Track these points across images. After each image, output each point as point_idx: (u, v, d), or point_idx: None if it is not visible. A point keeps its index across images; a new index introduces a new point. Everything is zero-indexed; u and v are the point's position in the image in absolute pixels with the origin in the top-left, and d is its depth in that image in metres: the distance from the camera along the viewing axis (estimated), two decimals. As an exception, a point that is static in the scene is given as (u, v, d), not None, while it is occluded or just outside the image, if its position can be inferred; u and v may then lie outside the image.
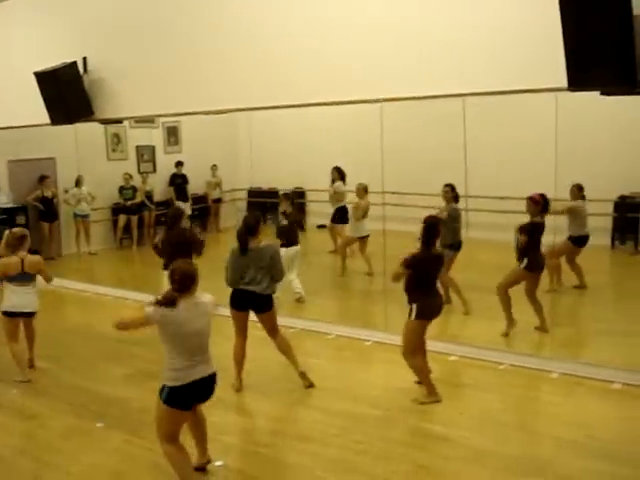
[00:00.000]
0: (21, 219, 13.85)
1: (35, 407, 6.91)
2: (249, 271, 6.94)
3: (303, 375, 7.14)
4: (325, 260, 13.37)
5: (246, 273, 6.96)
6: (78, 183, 14.37)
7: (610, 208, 12.43)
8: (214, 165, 16.56)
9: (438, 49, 7.19)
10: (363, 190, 11.38)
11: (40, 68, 10.00)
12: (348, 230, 11.81)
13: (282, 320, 9.16)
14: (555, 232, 9.24)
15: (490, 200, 12.49)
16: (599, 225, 12.41)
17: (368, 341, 8.46)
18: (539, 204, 8.23)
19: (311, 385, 7.10)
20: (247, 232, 7.06)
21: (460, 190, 11.06)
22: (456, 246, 9.49)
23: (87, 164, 14.35)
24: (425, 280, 6.63)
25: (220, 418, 6.44)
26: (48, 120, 10.33)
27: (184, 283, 4.93)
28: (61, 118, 10.22)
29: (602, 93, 6.06)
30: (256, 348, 8.35)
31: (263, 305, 7.05)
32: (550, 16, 5.92)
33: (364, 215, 11.40)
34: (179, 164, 16.08)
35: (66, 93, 9.98)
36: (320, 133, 14.88)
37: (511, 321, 8.35)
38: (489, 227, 12.40)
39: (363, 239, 11.52)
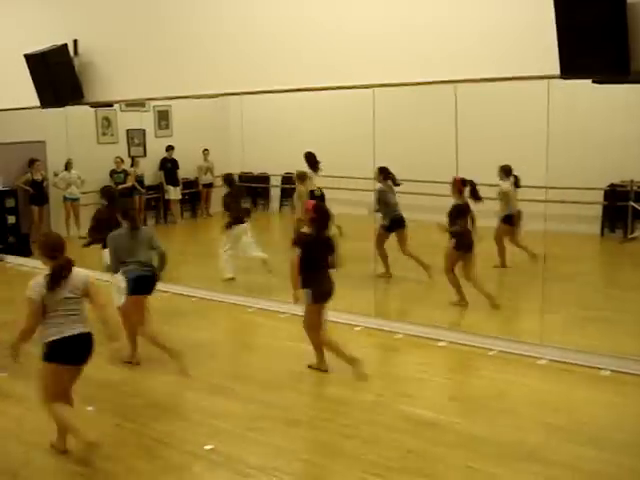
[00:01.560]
0: (10, 202, 13.80)
1: (24, 391, 6.88)
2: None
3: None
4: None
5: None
6: (68, 166, 14.31)
7: (600, 196, 12.49)
8: (205, 150, 16.51)
9: (430, 35, 7.17)
10: (303, 176, 11.88)
11: (30, 50, 9.93)
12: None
13: (269, 305, 9.22)
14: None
15: (481, 187, 12.50)
16: (589, 214, 12.49)
17: (357, 327, 8.47)
18: (458, 187, 9.34)
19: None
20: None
21: (450, 177, 11.08)
22: (389, 226, 10.35)
23: (77, 147, 14.28)
24: (313, 262, 6.82)
25: (210, 403, 6.46)
26: (38, 103, 10.26)
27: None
28: (51, 101, 10.15)
29: (594, 81, 6.07)
30: (249, 335, 8.39)
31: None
32: (543, 3, 5.92)
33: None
34: (170, 148, 16.03)
35: (56, 76, 9.91)
36: (312, 118, 14.85)
37: (463, 299, 8.96)
38: (481, 215, 12.42)
39: None
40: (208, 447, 5.58)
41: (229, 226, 10.53)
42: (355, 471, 5.15)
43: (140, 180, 15.61)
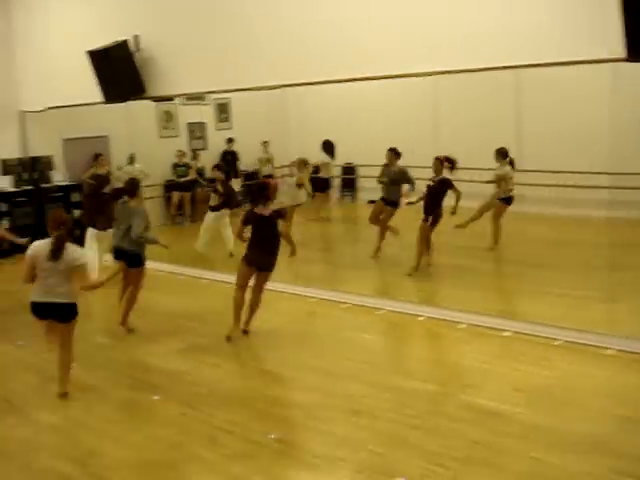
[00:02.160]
0: (76, 197, 14.10)
1: (93, 380, 7.06)
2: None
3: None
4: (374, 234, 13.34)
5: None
6: (131, 160, 14.55)
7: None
8: (265, 141, 16.61)
9: (493, 20, 7.07)
10: (303, 163, 12.98)
11: (93, 47, 10.11)
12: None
13: (331, 295, 9.23)
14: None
15: (543, 174, 12.31)
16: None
17: (420, 316, 8.43)
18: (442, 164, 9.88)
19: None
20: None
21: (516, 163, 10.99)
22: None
23: (139, 142, 14.52)
24: (255, 235, 7.67)
25: (274, 392, 6.52)
26: (101, 98, 10.46)
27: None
28: (114, 96, 10.34)
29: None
30: (310, 325, 8.43)
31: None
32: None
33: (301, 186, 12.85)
34: (230, 141, 16.17)
35: (118, 71, 10.08)
36: (371, 108, 14.81)
37: (418, 265, 9.94)
38: (543, 201, 12.23)
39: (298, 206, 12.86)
40: (272, 436, 5.63)
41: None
42: (419, 461, 5.13)
43: (201, 173, 15.79)
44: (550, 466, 5.00)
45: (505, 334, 7.67)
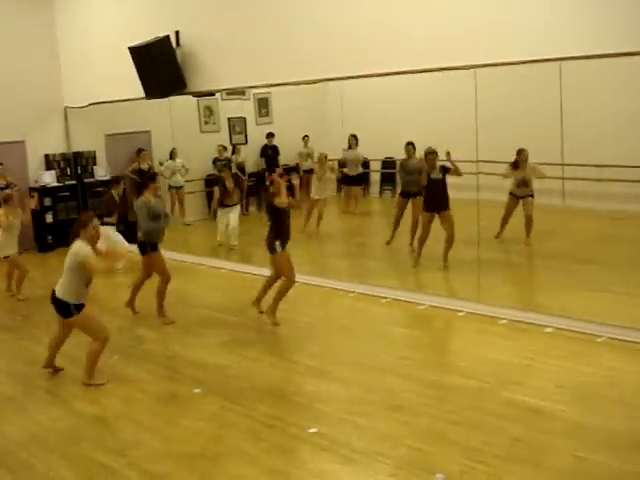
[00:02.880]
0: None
1: (135, 373, 7.14)
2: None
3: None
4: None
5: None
6: (172, 155, 14.65)
7: None
8: (306, 136, 16.59)
9: (533, 12, 6.97)
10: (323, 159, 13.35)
11: (134, 43, 10.20)
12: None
13: (371, 289, 9.21)
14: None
15: (587, 168, 12.12)
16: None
17: (461, 312, 8.36)
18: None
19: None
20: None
21: (556, 158, 10.81)
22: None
23: (181, 137, 14.60)
24: (281, 225, 8.06)
25: (313, 386, 6.52)
26: (143, 94, 10.55)
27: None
28: (155, 92, 10.42)
29: None
30: (350, 319, 8.41)
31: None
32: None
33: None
34: (270, 135, 16.18)
35: (160, 67, 10.16)
36: (411, 102, 14.70)
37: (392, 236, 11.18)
38: (586, 196, 12.05)
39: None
40: (312, 430, 5.63)
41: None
42: (459, 458, 5.10)
43: (242, 167, 15.84)
44: (593, 464, 4.92)
45: (547, 330, 7.57)
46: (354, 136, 14.05)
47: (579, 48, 6.69)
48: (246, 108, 16.38)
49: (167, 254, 12.39)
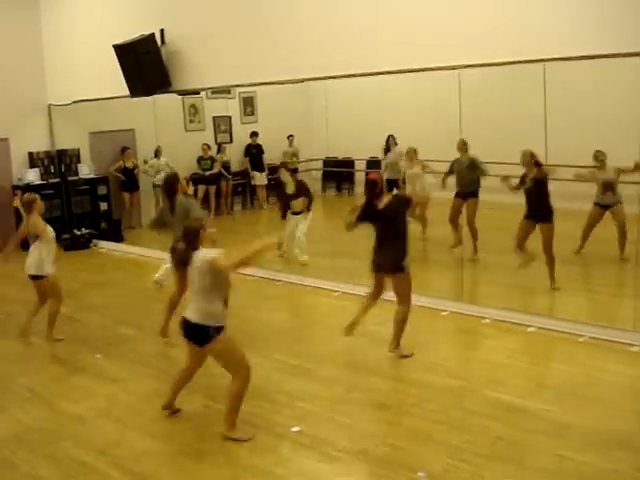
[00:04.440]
0: (102, 190, 14.22)
1: (118, 371, 7.11)
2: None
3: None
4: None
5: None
6: (157, 154, 14.61)
7: None
8: (291, 135, 16.60)
9: (518, 14, 7.01)
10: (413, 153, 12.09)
11: (119, 41, 10.16)
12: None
13: (355, 289, 9.22)
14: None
15: (571, 169, 12.19)
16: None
17: (445, 311, 8.39)
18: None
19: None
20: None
21: (539, 159, 10.79)
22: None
23: (165, 135, 14.56)
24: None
25: (297, 385, 6.53)
26: (127, 92, 10.51)
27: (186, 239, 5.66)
28: (140, 90, 10.39)
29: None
30: (334, 318, 8.41)
31: None
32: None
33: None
34: (254, 134, 16.17)
35: (144, 65, 10.12)
36: (396, 102, 14.72)
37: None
38: (570, 197, 12.11)
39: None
40: (295, 429, 5.64)
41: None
42: (442, 457, 5.11)
43: (226, 166, 15.83)
44: (575, 463, 4.96)
45: (530, 330, 7.61)
46: (392, 137, 13.37)
47: (562, 50, 6.73)
48: (231, 107, 16.36)
49: (152, 253, 12.43)
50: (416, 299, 8.63)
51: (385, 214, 6.87)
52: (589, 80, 11.82)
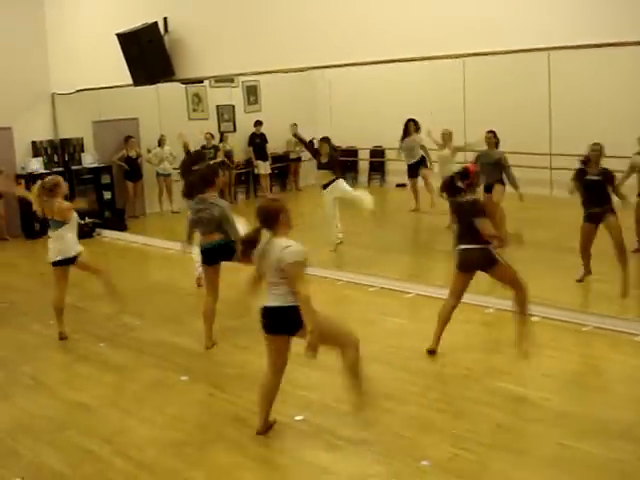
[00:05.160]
0: (106, 179, 14.23)
1: (121, 360, 7.13)
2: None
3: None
4: (405, 218, 13.32)
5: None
6: (160, 143, 14.63)
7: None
8: (294, 124, 16.59)
9: (521, 1, 6.98)
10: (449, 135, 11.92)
11: (122, 29, 10.14)
12: None
13: (359, 278, 9.23)
14: None
15: (574, 158, 12.16)
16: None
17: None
18: None
19: (214, 344, 7.26)
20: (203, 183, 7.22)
21: (544, 149, 10.82)
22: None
23: (169, 124, 14.57)
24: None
25: (301, 374, 6.52)
26: (131, 81, 10.50)
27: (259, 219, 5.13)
28: (143, 79, 10.37)
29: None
30: (337, 307, 8.42)
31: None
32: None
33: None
34: (258, 123, 16.16)
35: (148, 54, 10.10)
36: (399, 91, 14.70)
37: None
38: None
39: None
40: (299, 418, 5.65)
41: None
42: (445, 445, 5.13)
43: (229, 155, 15.81)
44: (577, 452, 4.97)
45: (533, 319, 7.60)
46: (413, 121, 12.97)
47: (566, 38, 6.70)
48: (235, 96, 16.34)
49: (156, 242, 12.45)
50: (419, 288, 8.69)
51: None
52: (593, 69, 11.78)
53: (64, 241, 7.43)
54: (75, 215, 7.60)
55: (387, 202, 16.14)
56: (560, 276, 8.80)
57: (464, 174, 6.65)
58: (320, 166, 10.71)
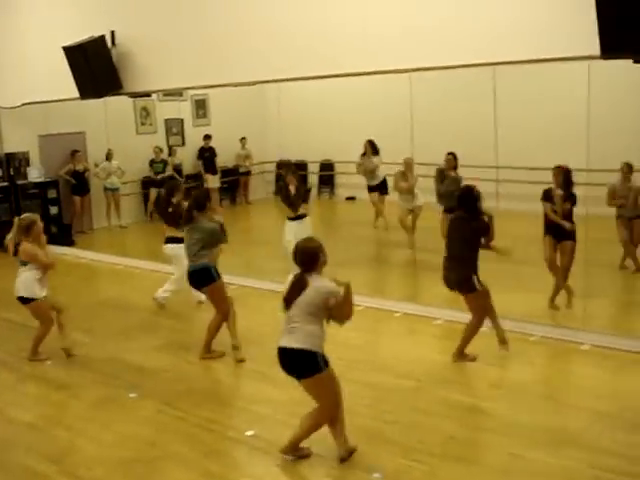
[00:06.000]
0: (53, 193, 14.00)
1: (68, 378, 7.01)
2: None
3: (235, 348, 7.25)
4: (356, 231, 13.37)
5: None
6: (108, 157, 14.46)
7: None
8: (243, 138, 16.58)
9: (467, 17, 7.07)
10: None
11: (68, 42, 10.02)
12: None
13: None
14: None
15: (521, 170, 12.38)
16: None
17: (397, 312, 8.44)
18: None
19: (242, 360, 7.16)
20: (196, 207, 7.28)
21: (490, 161, 10.98)
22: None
23: (116, 138, 14.43)
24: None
25: (252, 389, 6.52)
26: (77, 94, 10.37)
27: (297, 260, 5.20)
28: (90, 92, 10.24)
29: (636, 61, 5.92)
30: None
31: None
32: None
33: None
34: (207, 137, 16.11)
35: (95, 67, 9.98)
36: (348, 105, 14.82)
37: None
38: (519, 198, 12.30)
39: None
40: (249, 433, 5.62)
41: None
42: (395, 457, 5.15)
43: (178, 169, 15.73)
44: (527, 461, 5.03)
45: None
46: (371, 142, 12.69)
47: (511, 53, 6.81)
48: (183, 109, 16.27)
49: (103, 257, 12.30)
50: (369, 301, 8.73)
51: None
52: (539, 84, 12.02)
53: (19, 279, 7.36)
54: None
55: (336, 215, 16.21)
56: (507, 287, 8.91)
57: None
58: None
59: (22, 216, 7.59)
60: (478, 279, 6.74)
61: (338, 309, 5.12)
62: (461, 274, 6.76)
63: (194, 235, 7.23)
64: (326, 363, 5.08)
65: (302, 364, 5.06)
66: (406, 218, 11.23)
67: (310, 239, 5.47)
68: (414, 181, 11.25)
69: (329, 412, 5.15)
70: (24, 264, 7.35)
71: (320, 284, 5.07)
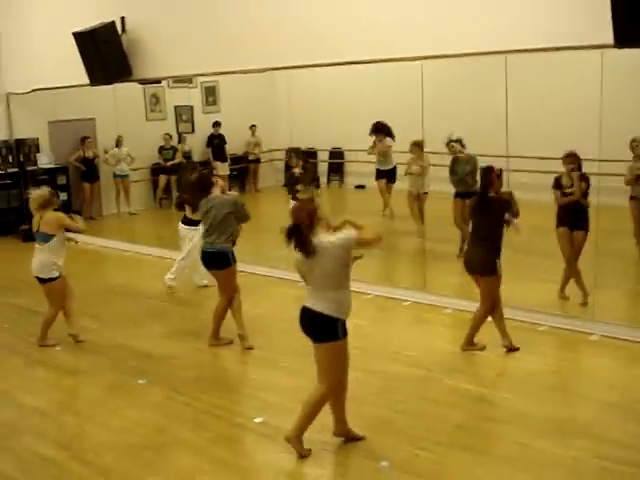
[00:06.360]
0: (62, 179, 14.02)
1: (78, 364, 7.04)
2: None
3: (242, 337, 7.23)
4: (365, 220, 13.31)
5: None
6: (118, 143, 14.46)
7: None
8: (253, 125, 16.54)
9: (481, 5, 7.03)
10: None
11: (79, 28, 10.01)
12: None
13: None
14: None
15: (531, 160, 12.32)
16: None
17: (406, 301, 8.43)
18: None
19: (250, 347, 7.15)
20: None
21: (501, 150, 10.87)
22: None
23: (126, 124, 14.41)
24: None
25: (260, 376, 6.52)
26: (88, 81, 10.36)
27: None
28: (100, 79, 10.24)
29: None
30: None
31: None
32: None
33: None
34: (216, 124, 16.07)
35: (105, 53, 9.97)
36: (359, 93, 14.74)
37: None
38: (530, 187, 12.25)
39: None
40: (258, 420, 5.63)
41: None
42: (403, 445, 5.15)
43: (188, 156, 15.70)
44: (534, 451, 5.02)
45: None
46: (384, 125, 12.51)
47: (522, 42, 6.77)
48: (193, 96, 16.24)
49: (113, 244, 12.33)
50: (378, 290, 8.72)
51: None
52: (550, 73, 11.94)
53: (36, 260, 7.29)
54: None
55: (346, 203, 16.18)
56: (515, 276, 8.89)
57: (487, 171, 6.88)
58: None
59: (36, 192, 7.46)
60: (500, 265, 6.69)
61: (363, 244, 5.20)
62: (485, 256, 6.72)
63: (222, 210, 7.23)
64: (345, 333, 5.03)
65: (321, 328, 4.99)
66: (414, 205, 11.18)
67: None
68: (426, 164, 11.13)
69: (330, 390, 5.10)
70: (45, 240, 7.19)
71: (331, 238, 4.98)
